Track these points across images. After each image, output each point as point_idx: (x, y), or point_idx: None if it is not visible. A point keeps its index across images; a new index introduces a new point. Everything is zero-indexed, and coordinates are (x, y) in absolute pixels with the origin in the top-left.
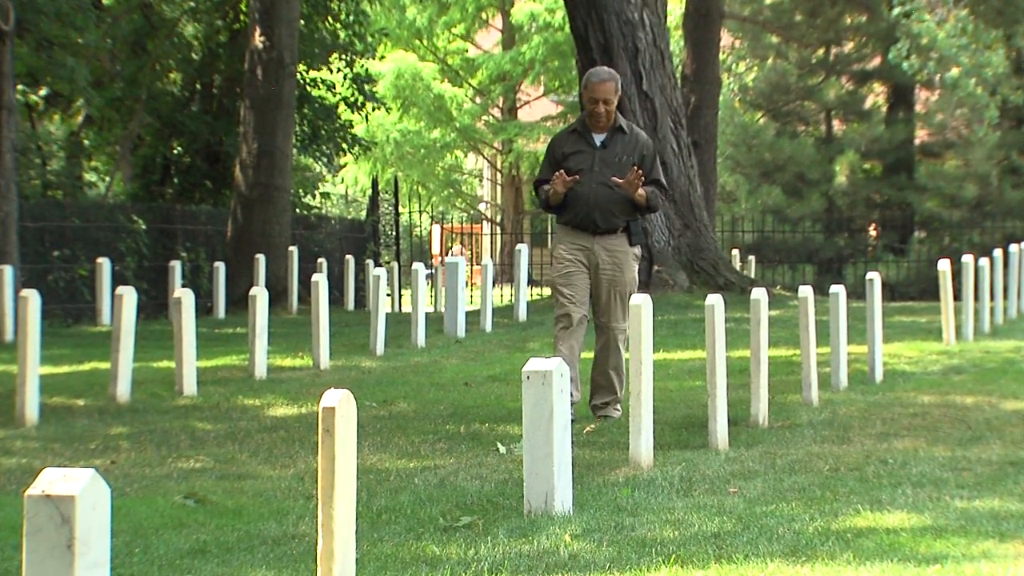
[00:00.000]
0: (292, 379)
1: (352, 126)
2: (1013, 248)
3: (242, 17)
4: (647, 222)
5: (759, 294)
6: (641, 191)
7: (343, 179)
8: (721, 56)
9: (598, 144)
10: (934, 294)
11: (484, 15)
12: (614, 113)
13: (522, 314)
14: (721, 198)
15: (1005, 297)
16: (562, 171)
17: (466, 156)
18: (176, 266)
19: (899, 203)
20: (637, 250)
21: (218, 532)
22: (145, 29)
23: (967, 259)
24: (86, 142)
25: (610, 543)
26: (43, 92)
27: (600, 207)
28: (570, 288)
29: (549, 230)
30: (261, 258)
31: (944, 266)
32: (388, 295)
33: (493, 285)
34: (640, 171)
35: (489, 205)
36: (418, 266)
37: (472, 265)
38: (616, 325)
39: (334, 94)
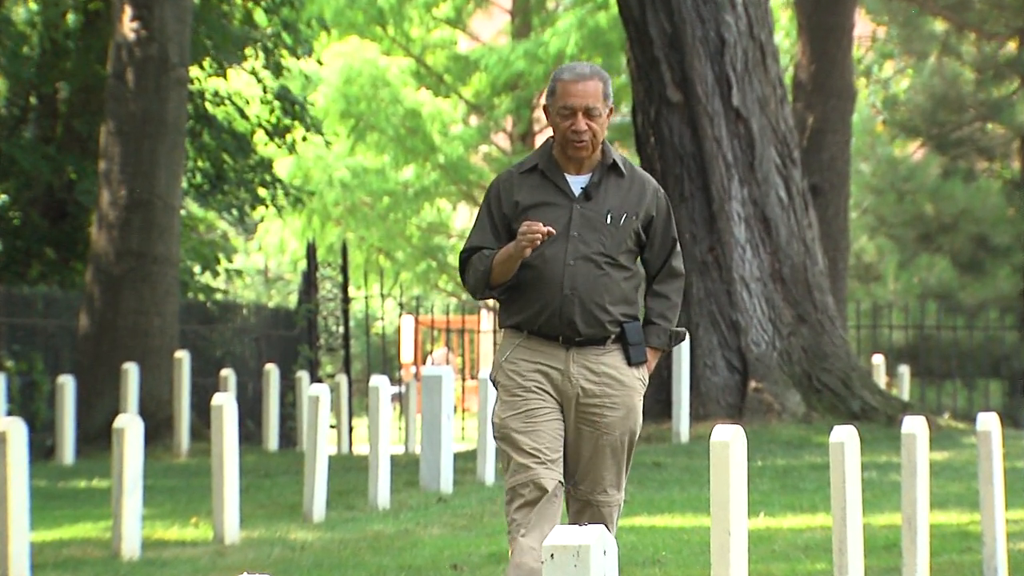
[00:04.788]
0: (181, 560)
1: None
2: None
3: None
4: (737, 311)
5: (915, 426)
6: (651, 347)
7: (261, 245)
8: (856, 53)
9: (576, 192)
10: None
11: None
12: (602, 140)
13: None
14: (856, 274)
15: None
16: (530, 223)
17: (455, 208)
18: None
19: None
20: (642, 373)
21: None
22: None
23: None
24: None
25: None
26: None
27: (581, 298)
28: (534, 437)
29: None
30: (132, 369)
31: None
32: (332, 427)
33: None
34: (641, 253)
35: None
36: (379, 381)
37: (464, 379)
38: (604, 497)
39: (248, 116)
